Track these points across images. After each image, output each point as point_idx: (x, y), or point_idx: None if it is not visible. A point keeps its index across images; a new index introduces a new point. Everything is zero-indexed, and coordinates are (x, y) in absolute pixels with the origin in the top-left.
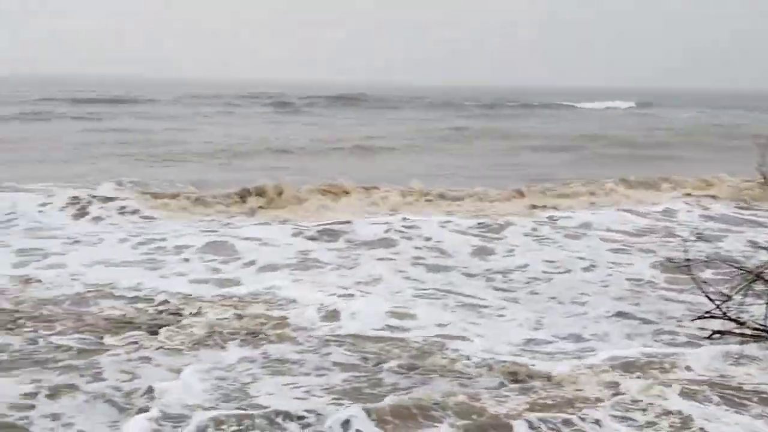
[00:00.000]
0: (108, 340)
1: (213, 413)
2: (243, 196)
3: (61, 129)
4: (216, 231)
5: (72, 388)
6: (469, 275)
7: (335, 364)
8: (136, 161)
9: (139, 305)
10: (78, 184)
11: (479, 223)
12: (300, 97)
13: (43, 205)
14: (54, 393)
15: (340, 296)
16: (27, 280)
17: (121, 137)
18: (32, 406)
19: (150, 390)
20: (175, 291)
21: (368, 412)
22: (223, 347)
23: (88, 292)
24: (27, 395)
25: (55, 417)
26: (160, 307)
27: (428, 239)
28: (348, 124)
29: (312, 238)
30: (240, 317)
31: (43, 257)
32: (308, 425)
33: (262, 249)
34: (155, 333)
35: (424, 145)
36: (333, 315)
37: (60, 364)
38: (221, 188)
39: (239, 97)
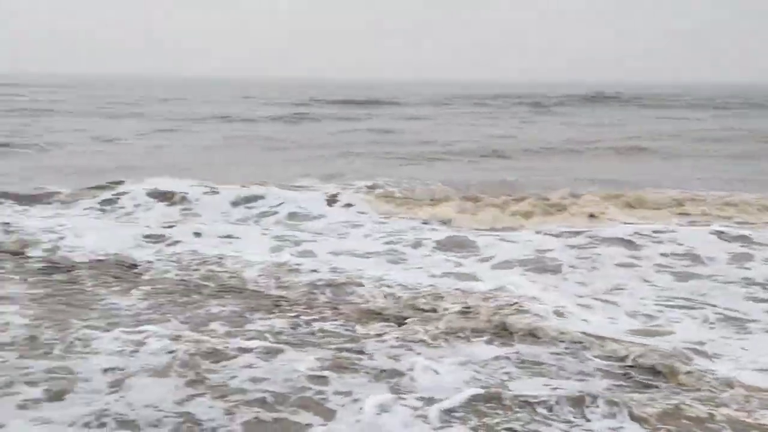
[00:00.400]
0: (359, 329)
1: (471, 394)
2: (478, 198)
3: (321, 129)
4: (456, 227)
5: (351, 367)
6: (725, 285)
7: (597, 369)
8: (389, 160)
9: (385, 297)
10: (334, 182)
11: (740, 231)
12: (552, 96)
13: (302, 199)
14: (338, 371)
15: (579, 299)
16: (288, 268)
17: (376, 137)
18: (325, 381)
19: (411, 375)
20: (418, 284)
21: (637, 420)
22: (470, 341)
23: (338, 281)
24: (313, 369)
25: (346, 394)
26: (405, 299)
27: (680, 244)
28: (603, 123)
29: (553, 238)
30: (481, 313)
31: (296, 245)
32: (575, 425)
33: (501, 245)
34: (402, 324)
35: (686, 147)
36: (574, 318)
37: (333, 346)
38: (467, 187)
39: (489, 97)
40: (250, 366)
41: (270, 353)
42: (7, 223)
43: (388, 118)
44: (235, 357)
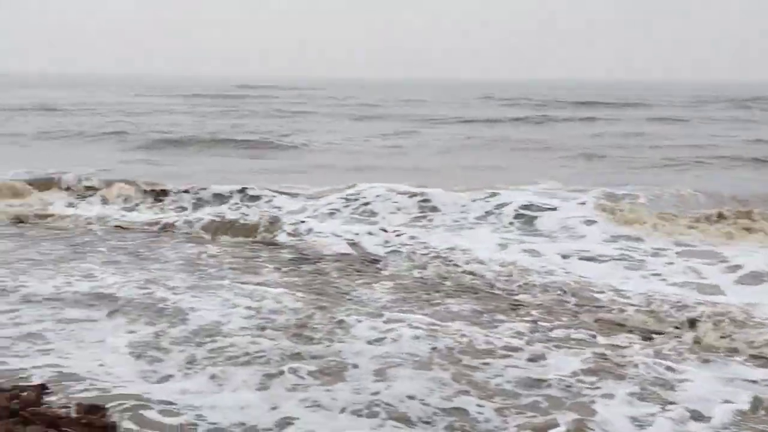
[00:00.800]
0: (601, 339)
1: (740, 409)
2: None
3: (564, 131)
4: (700, 238)
5: (613, 375)
6: None
7: None
8: (634, 164)
9: (626, 306)
10: (573, 184)
11: None
12: None
13: (536, 201)
14: (602, 378)
15: None
16: (520, 269)
17: (622, 140)
18: (593, 387)
19: (673, 387)
20: (658, 294)
21: None
22: (728, 360)
23: (573, 285)
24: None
25: (608, 396)
26: (647, 311)
27: None
28: None
29: None
30: (731, 332)
31: (528, 245)
32: None
33: (749, 255)
34: (649, 339)
35: None
36: None
37: (585, 354)
38: (720, 197)
39: (749, 99)
40: (514, 366)
41: (527, 355)
42: (274, 216)
43: (635, 121)
44: (493, 356)
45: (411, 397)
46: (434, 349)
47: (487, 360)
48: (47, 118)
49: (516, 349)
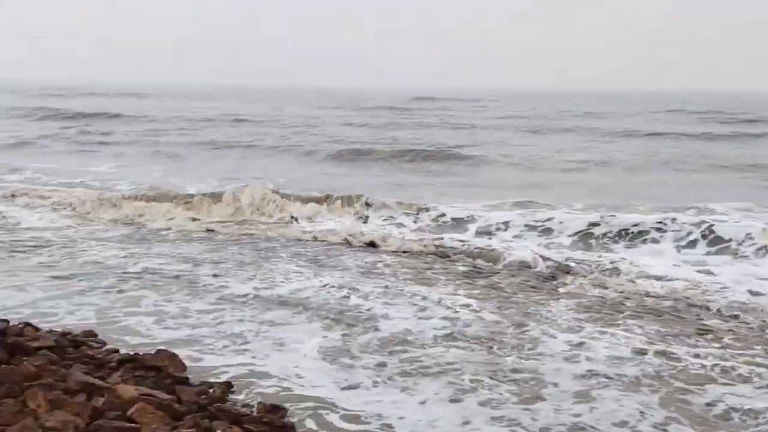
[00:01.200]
0: None
1: None
2: None
3: (762, 149)
4: None
5: None
6: None
7: None
8: None
9: None
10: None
11: None
12: None
13: (710, 223)
14: None
15: None
16: (701, 291)
17: None
18: None
19: None
20: None
21: None
22: None
23: (761, 311)
24: None
25: None
26: None
27: None
28: None
29: None
30: None
31: (706, 267)
32: None
33: None
34: None
35: None
36: None
37: None
38: None
39: None
40: (731, 394)
41: (739, 382)
42: (447, 228)
43: None
44: (704, 381)
45: (619, 423)
46: (639, 371)
47: (699, 386)
48: (236, 129)
49: (729, 376)
